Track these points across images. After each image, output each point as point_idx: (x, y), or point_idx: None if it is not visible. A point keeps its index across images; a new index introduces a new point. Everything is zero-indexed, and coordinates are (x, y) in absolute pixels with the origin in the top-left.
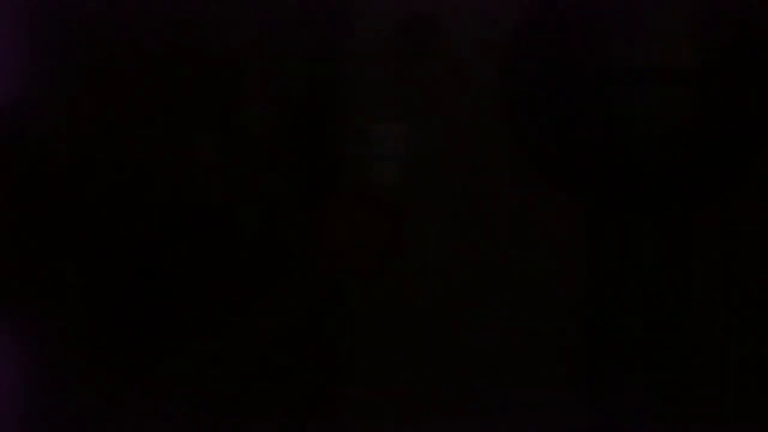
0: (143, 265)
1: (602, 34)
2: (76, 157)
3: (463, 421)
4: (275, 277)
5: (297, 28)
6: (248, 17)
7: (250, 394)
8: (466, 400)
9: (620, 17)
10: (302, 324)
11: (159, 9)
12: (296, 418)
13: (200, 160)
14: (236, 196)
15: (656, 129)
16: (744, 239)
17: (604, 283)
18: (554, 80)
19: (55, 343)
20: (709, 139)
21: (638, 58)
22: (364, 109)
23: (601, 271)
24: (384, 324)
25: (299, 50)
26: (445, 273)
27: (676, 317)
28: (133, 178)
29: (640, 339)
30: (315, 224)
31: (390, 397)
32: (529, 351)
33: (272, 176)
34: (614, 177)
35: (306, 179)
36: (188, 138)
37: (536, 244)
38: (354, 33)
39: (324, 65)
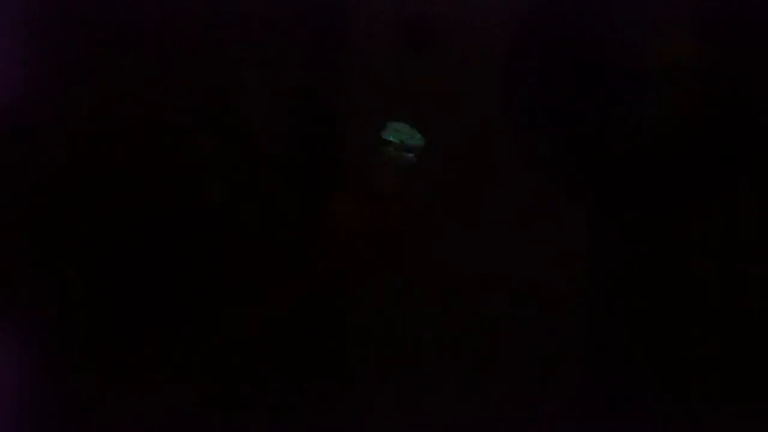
0: (143, 265)
1: (604, 34)
2: (76, 157)
3: (464, 422)
4: (276, 277)
5: (296, 26)
6: (247, 15)
7: (251, 394)
8: (465, 402)
9: (622, 17)
10: (302, 324)
11: (157, 7)
12: (296, 418)
13: (199, 160)
14: (236, 196)
15: (658, 129)
16: (748, 240)
17: (606, 285)
18: (556, 80)
19: (56, 342)
20: (713, 140)
21: (640, 57)
22: (364, 109)
23: (603, 272)
24: (383, 325)
25: (299, 49)
26: (446, 272)
27: (681, 320)
28: (134, 178)
29: (642, 342)
30: (315, 224)
31: (389, 399)
32: (530, 353)
33: (272, 176)
34: (618, 177)
35: (306, 179)
36: (187, 137)
37: (537, 244)
38: (354, 32)
39: (324, 64)
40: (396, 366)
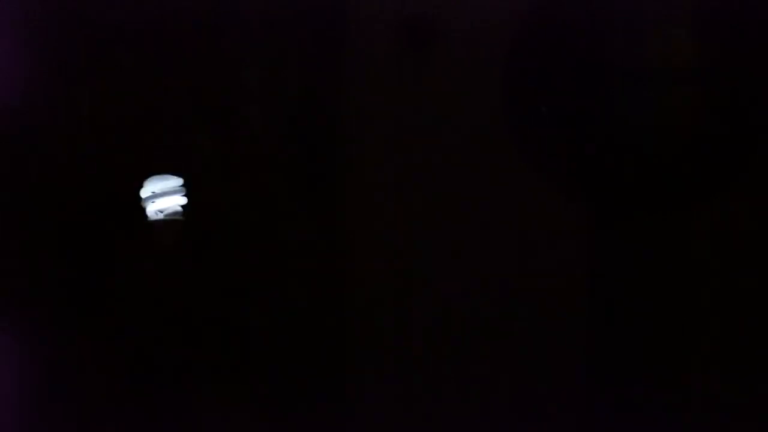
0: (144, 264)
1: (604, 34)
2: (76, 157)
3: (464, 424)
4: (275, 278)
5: (296, 26)
6: (247, 15)
7: (251, 393)
8: (466, 402)
9: (622, 17)
10: (301, 324)
11: (157, 7)
12: (296, 418)
13: (198, 159)
14: (236, 196)
15: (658, 129)
16: (748, 240)
17: (607, 285)
18: (556, 80)
19: (56, 342)
20: (713, 140)
21: (641, 57)
22: (363, 109)
23: (603, 272)
24: (384, 326)
25: (298, 49)
26: (445, 272)
27: (682, 320)
28: (134, 178)
29: (643, 342)
30: (314, 223)
31: (390, 400)
32: (531, 355)
33: (271, 176)
34: (618, 177)
35: (305, 180)
36: (186, 137)
37: (537, 244)
38: (354, 32)
39: (323, 64)
40: (395, 366)
